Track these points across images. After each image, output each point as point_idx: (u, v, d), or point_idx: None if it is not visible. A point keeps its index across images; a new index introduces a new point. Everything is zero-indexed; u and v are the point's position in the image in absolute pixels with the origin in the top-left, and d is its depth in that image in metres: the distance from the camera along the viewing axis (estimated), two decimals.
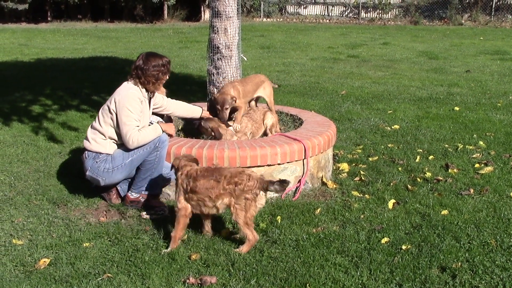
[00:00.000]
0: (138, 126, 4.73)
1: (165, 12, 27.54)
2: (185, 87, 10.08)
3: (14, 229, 4.47)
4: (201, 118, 5.43)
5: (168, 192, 5.13)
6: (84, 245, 4.21)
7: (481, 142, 6.86)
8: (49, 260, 3.98)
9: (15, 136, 7.04)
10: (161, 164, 4.86)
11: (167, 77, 4.94)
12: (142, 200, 4.91)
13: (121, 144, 4.82)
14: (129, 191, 4.94)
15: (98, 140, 4.81)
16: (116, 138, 4.80)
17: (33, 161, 6.10)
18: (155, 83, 4.84)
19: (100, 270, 3.87)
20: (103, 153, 4.80)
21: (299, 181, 5.24)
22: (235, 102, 5.36)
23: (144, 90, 4.83)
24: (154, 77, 4.78)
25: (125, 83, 4.83)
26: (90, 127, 4.92)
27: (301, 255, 4.06)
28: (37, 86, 10.28)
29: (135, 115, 4.70)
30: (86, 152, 4.86)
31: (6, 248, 4.16)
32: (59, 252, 4.11)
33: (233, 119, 5.51)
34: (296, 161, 5.18)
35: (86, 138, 4.88)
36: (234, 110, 5.48)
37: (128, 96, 4.70)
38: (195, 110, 5.48)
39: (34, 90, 9.88)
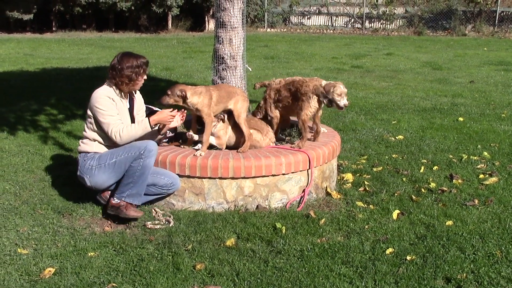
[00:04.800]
0: (119, 120, 4.79)
1: (169, 22, 27.67)
2: None
3: (19, 238, 4.48)
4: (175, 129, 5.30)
5: (173, 202, 5.14)
6: (89, 254, 4.22)
7: (485, 153, 6.86)
8: (54, 269, 3.99)
9: (20, 146, 7.06)
10: (145, 174, 4.74)
11: (143, 78, 4.93)
12: (122, 207, 4.77)
13: (109, 146, 4.87)
14: (112, 196, 4.90)
15: (85, 141, 4.91)
16: (100, 140, 4.87)
17: (38, 170, 6.12)
18: (129, 84, 4.83)
19: (105, 279, 3.87)
20: (90, 152, 4.87)
21: (304, 191, 5.24)
22: (184, 97, 4.96)
23: (118, 90, 4.86)
24: (127, 78, 4.78)
25: (100, 87, 4.89)
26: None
27: (306, 265, 4.06)
28: (42, 96, 10.32)
29: (109, 111, 4.73)
30: (79, 154, 4.98)
31: (11, 257, 4.17)
32: (64, 261, 4.12)
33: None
34: (300, 171, 5.19)
35: (78, 145, 5.00)
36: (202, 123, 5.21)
37: (95, 97, 4.77)
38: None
39: (39, 100, 9.92)
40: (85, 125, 4.93)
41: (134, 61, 4.80)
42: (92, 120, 4.83)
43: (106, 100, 4.76)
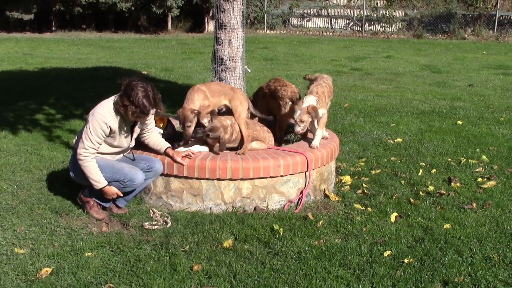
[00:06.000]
0: (94, 150, 4.69)
1: (169, 23, 27.67)
2: None
3: (16, 238, 4.47)
4: (165, 152, 5.09)
5: (171, 203, 5.13)
6: (86, 254, 4.21)
7: (484, 157, 6.86)
8: (51, 269, 3.98)
9: (18, 145, 7.05)
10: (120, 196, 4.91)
11: (139, 119, 4.76)
12: (87, 204, 4.92)
13: (101, 153, 4.83)
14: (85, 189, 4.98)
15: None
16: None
17: (36, 170, 6.11)
18: (123, 113, 4.66)
19: (102, 280, 3.86)
20: None
21: (302, 193, 5.24)
22: (198, 115, 5.07)
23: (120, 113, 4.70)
24: (122, 107, 4.63)
25: (110, 99, 4.76)
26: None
27: (303, 267, 4.05)
28: (41, 96, 10.31)
29: (94, 137, 4.63)
30: (74, 146, 4.98)
31: (8, 257, 4.16)
32: (61, 261, 4.11)
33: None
34: (298, 173, 5.18)
35: (76, 137, 4.99)
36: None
37: (95, 117, 4.64)
38: (162, 147, 5.12)
39: (38, 100, 9.91)
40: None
41: (136, 100, 4.53)
42: None
43: (100, 127, 4.62)
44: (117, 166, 4.83)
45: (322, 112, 5.46)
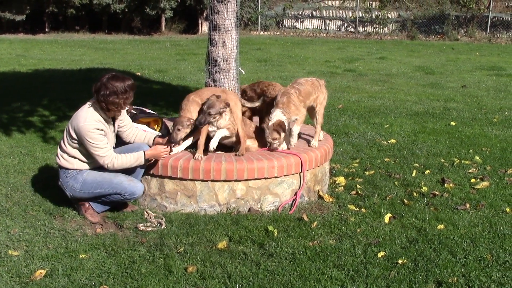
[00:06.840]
0: (110, 149, 4.78)
1: (163, 24, 27.64)
2: (182, 99, 10.07)
3: (10, 240, 4.45)
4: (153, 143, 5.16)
5: (165, 204, 5.13)
6: (81, 256, 4.20)
7: (477, 157, 6.89)
8: (45, 271, 3.97)
9: (12, 147, 7.03)
10: (115, 202, 4.96)
11: (130, 100, 4.85)
12: (82, 207, 4.93)
13: (92, 163, 4.85)
14: None
15: (65, 157, 4.84)
16: (81, 157, 4.82)
17: (30, 171, 6.09)
18: (115, 110, 4.78)
19: (97, 281, 3.86)
20: (71, 169, 4.84)
21: (296, 194, 5.24)
22: (191, 126, 5.09)
23: (104, 114, 4.77)
24: (114, 105, 4.70)
25: (85, 107, 4.77)
26: (58, 144, 4.95)
27: (298, 268, 4.06)
28: (34, 97, 10.28)
29: (100, 143, 4.68)
30: (58, 167, 4.94)
31: (2, 259, 4.15)
32: (55, 263, 4.10)
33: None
34: (293, 174, 5.19)
35: (56, 155, 4.94)
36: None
37: (85, 129, 4.63)
38: (150, 138, 5.19)
39: (31, 101, 9.89)
40: (66, 140, 4.82)
41: (120, 84, 4.68)
42: (77, 143, 4.75)
43: (95, 134, 4.66)
44: (115, 180, 4.81)
45: (296, 117, 5.31)
